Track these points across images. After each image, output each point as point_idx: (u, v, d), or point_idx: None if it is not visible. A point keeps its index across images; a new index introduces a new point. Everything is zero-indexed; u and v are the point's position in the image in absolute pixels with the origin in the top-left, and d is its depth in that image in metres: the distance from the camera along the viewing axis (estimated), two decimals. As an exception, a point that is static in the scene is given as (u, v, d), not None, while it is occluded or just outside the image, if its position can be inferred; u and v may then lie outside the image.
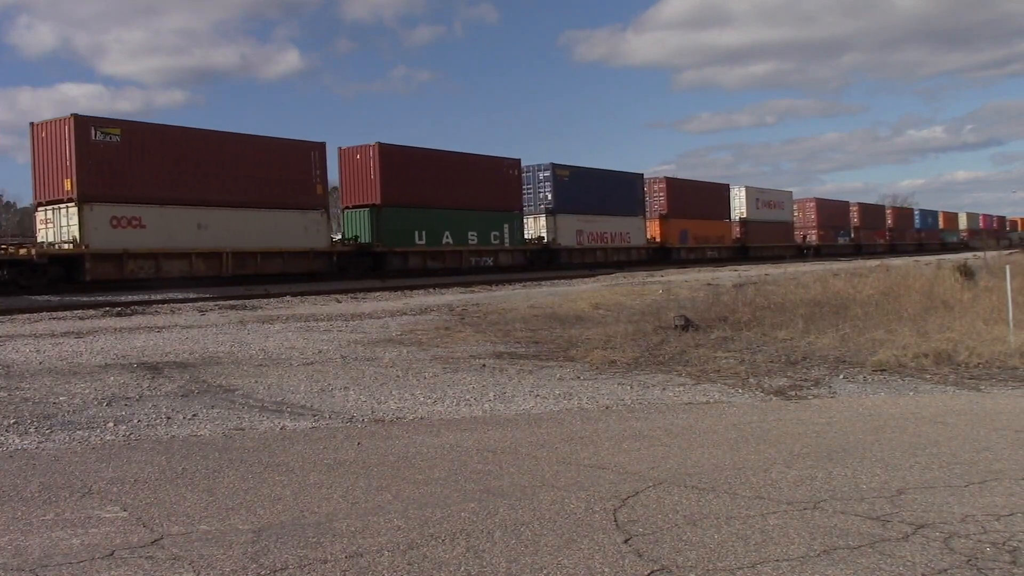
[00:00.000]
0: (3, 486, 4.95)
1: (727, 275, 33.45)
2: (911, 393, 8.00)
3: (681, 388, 8.32)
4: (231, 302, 21.51)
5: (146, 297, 23.30)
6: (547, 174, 44.68)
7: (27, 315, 17.99)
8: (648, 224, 52.81)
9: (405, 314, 17.50)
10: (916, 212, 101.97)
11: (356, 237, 35.23)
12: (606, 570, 3.48)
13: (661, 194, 54.22)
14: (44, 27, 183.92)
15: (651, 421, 6.76)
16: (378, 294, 25.46)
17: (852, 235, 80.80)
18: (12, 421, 6.83)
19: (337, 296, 24.28)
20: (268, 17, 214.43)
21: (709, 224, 57.62)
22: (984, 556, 3.58)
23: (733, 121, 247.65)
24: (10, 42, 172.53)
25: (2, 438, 6.27)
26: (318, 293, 25.21)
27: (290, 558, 3.65)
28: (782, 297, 17.15)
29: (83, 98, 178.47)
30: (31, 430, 6.53)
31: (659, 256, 52.76)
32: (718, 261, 55.12)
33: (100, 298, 22.75)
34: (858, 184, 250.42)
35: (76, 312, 18.82)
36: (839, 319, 13.15)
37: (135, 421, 6.88)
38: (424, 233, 36.87)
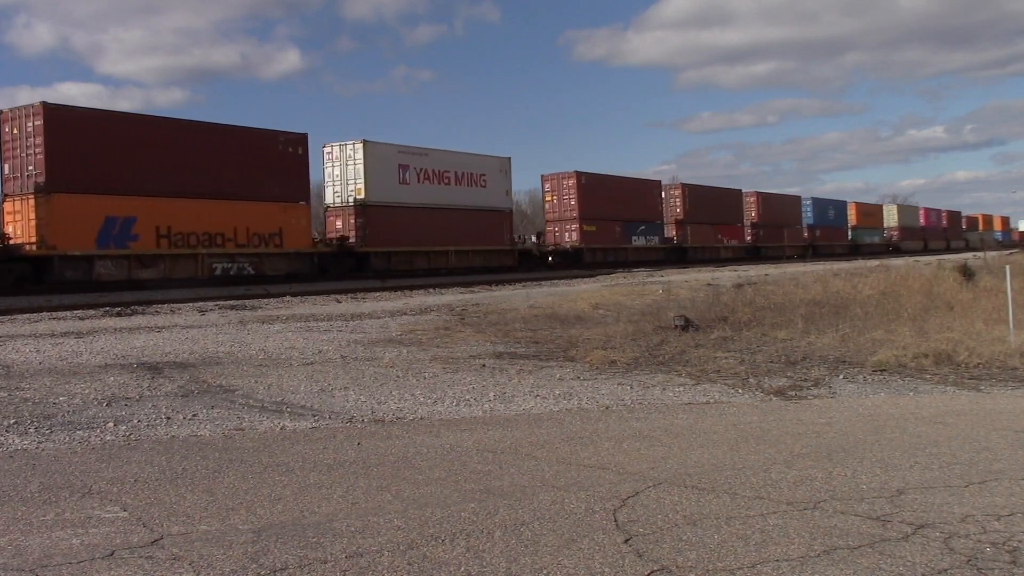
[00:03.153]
0: (3, 486, 4.95)
1: (727, 275, 33.48)
2: (911, 393, 8.00)
3: (681, 388, 8.32)
4: (231, 302, 21.51)
5: (146, 297, 23.30)
6: None
7: (27, 315, 17.98)
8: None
9: (405, 314, 17.51)
10: (806, 202, 73.89)
11: None
12: (606, 570, 3.48)
13: (35, 140, 24.95)
14: (42, 26, 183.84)
15: (651, 421, 6.76)
16: (378, 294, 25.47)
17: (671, 233, 56.44)
18: (12, 421, 6.83)
19: (337, 296, 24.29)
20: (269, 16, 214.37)
21: (228, 209, 29.43)
22: (984, 556, 3.58)
23: (734, 121, 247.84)
24: (8, 41, 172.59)
25: (2, 438, 6.27)
26: (318, 293, 25.23)
27: (290, 558, 3.65)
28: (782, 297, 17.15)
29: (82, 97, 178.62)
30: (31, 430, 6.53)
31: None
32: (226, 285, 28.14)
33: (101, 298, 22.75)
34: (859, 184, 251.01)
35: (76, 312, 18.81)
36: (839, 319, 13.16)
37: (135, 421, 6.88)
38: None
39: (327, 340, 12.58)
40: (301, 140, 32.56)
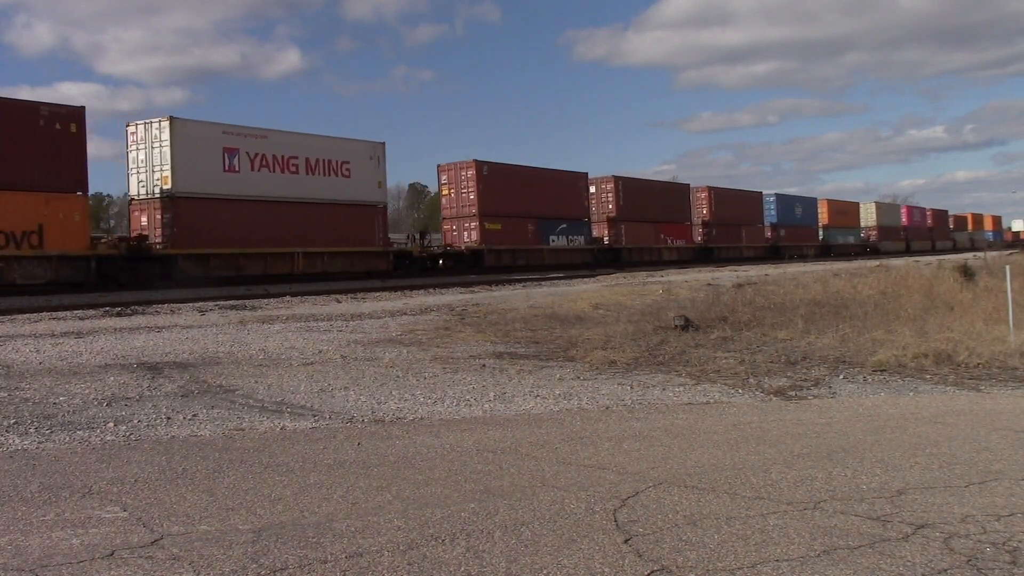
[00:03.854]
0: (3, 486, 4.95)
1: (727, 275, 33.47)
2: (911, 393, 8.00)
3: (681, 388, 8.32)
4: (231, 302, 21.52)
5: (146, 297, 23.31)
6: None
7: (27, 315, 17.98)
8: None
9: (405, 314, 17.51)
10: (769, 198, 67.77)
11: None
12: (606, 570, 3.48)
13: None
14: (42, 26, 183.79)
15: (651, 421, 6.76)
16: (378, 294, 25.48)
17: (600, 232, 49.26)
18: (12, 421, 6.83)
19: (337, 296, 24.29)
20: (269, 16, 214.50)
21: None
22: (984, 556, 3.58)
23: (735, 121, 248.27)
24: (8, 41, 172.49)
25: (2, 438, 6.27)
26: (318, 293, 25.24)
27: (290, 558, 3.65)
28: (782, 297, 17.15)
29: (82, 97, 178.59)
30: (31, 430, 6.53)
31: None
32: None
33: (101, 298, 22.76)
34: (859, 184, 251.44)
35: (76, 312, 18.81)
36: (839, 319, 13.15)
37: (135, 421, 6.88)
38: None
39: (327, 340, 12.58)
40: (74, 115, 25.83)
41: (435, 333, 13.42)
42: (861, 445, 5.72)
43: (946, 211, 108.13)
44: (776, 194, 68.74)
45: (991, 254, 35.98)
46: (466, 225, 40.80)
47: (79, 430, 6.53)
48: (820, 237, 74.21)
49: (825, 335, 11.57)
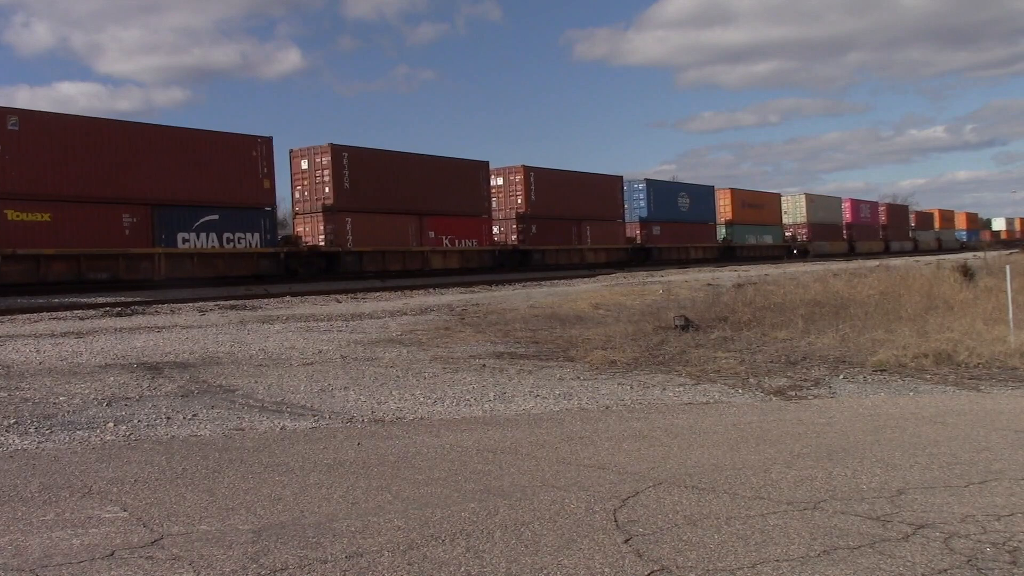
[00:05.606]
0: (3, 486, 4.95)
1: (727, 275, 33.47)
2: (911, 393, 7.99)
3: (681, 388, 8.32)
4: (231, 302, 21.53)
5: (146, 297, 23.31)
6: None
7: (27, 315, 17.99)
8: None
9: (405, 314, 17.50)
10: (637, 186, 51.83)
11: None
12: (606, 570, 3.48)
13: None
14: (41, 25, 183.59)
15: (651, 421, 6.76)
16: (378, 294, 25.48)
17: (306, 227, 32.75)
18: (12, 421, 6.83)
19: (337, 296, 24.30)
20: (270, 15, 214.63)
21: None
22: (984, 556, 3.58)
23: (736, 120, 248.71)
24: (7, 40, 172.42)
25: (2, 438, 6.27)
26: (318, 293, 25.25)
27: (290, 558, 3.65)
28: (782, 297, 17.14)
29: (81, 97, 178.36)
30: (31, 430, 6.53)
31: None
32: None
33: (101, 299, 22.76)
34: (859, 184, 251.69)
35: (76, 312, 18.82)
36: (839, 319, 13.15)
37: (135, 421, 6.88)
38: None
39: (327, 340, 12.58)
40: None
41: (435, 333, 13.42)
42: (861, 445, 5.72)
43: (906, 207, 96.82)
44: (647, 180, 52.57)
45: (991, 254, 35.87)
46: None
47: (79, 430, 6.53)
48: (721, 236, 59.60)
49: (825, 335, 11.57)
